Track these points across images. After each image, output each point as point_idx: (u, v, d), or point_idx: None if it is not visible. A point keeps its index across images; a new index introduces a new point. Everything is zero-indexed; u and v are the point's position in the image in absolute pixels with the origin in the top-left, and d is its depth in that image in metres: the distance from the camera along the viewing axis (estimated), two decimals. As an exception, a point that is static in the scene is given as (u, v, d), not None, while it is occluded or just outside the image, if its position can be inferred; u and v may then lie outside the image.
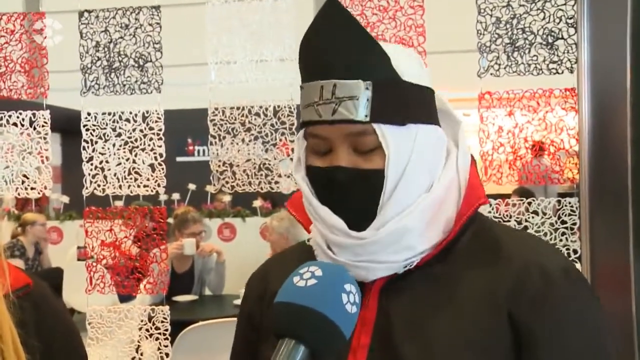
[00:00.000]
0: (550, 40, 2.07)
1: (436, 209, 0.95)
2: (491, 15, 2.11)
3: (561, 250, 1.90)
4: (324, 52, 0.92)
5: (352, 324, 0.83)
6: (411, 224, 0.93)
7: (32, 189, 2.54)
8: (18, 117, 2.54)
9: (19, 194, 2.52)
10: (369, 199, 0.93)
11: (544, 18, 2.07)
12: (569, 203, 2.10)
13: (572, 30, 2.05)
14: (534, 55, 2.08)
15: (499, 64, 2.11)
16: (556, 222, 2.13)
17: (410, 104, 0.94)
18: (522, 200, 2.19)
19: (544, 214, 2.14)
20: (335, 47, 0.91)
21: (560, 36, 2.07)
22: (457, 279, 0.95)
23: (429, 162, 0.96)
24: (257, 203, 6.36)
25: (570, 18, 2.05)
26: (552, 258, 0.96)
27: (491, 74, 2.12)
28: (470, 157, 1.02)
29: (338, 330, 0.80)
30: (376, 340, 0.93)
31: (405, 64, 0.95)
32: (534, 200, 2.17)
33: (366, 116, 0.90)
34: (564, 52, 2.06)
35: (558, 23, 2.06)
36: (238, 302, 4.46)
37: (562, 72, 2.07)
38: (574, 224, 2.10)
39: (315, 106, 0.93)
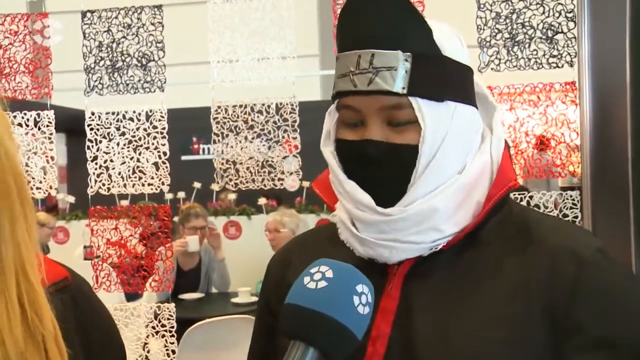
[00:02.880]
0: (550, 35, 2.07)
1: (467, 192, 0.92)
2: (491, 10, 2.11)
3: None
4: (364, 21, 0.89)
5: (364, 325, 0.81)
6: (441, 204, 0.90)
7: (37, 189, 2.56)
8: (23, 118, 2.56)
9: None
10: (400, 175, 0.90)
11: (543, 12, 2.07)
12: (570, 196, 2.11)
13: (571, 24, 2.05)
14: (534, 50, 2.08)
15: (499, 59, 2.12)
16: (558, 216, 2.13)
17: (450, 81, 0.91)
18: (523, 193, 2.20)
19: (546, 207, 2.15)
20: (375, 16, 0.88)
21: (560, 30, 2.07)
22: (483, 266, 0.92)
23: (464, 143, 0.93)
24: (262, 201, 6.37)
25: (570, 12, 2.05)
26: (582, 241, 0.91)
27: (492, 68, 2.12)
28: (505, 142, 0.99)
29: (350, 333, 0.79)
30: (397, 330, 0.91)
31: (447, 40, 0.92)
32: (535, 194, 2.18)
33: (403, 88, 0.87)
34: (563, 46, 2.06)
35: (557, 17, 2.07)
36: (236, 300, 4.45)
37: (562, 66, 2.07)
38: (576, 217, 2.10)
39: (351, 76, 0.89)
